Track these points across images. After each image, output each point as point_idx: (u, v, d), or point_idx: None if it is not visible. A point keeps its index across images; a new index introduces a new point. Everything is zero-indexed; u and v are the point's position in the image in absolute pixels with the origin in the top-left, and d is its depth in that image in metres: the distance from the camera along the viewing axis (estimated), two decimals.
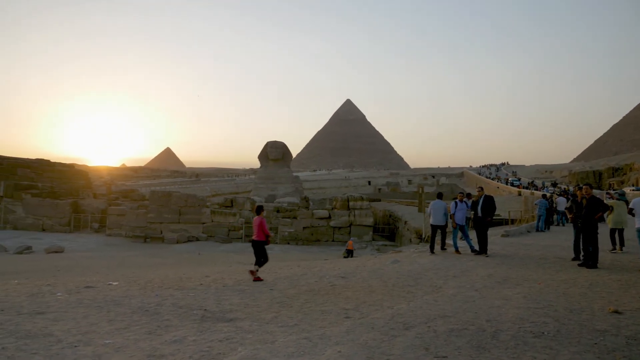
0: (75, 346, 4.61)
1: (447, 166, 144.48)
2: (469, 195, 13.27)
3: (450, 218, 12.57)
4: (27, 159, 53.66)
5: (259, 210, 9.88)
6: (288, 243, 30.28)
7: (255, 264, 9.38)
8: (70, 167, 60.73)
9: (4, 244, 25.51)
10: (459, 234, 12.80)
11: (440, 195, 12.86)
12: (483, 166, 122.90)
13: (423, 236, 21.80)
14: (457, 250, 12.23)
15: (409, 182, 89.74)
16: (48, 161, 56.11)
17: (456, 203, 12.46)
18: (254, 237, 9.65)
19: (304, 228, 30.87)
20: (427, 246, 13.46)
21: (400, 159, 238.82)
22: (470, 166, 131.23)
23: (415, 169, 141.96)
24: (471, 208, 12.40)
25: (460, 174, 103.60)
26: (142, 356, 4.32)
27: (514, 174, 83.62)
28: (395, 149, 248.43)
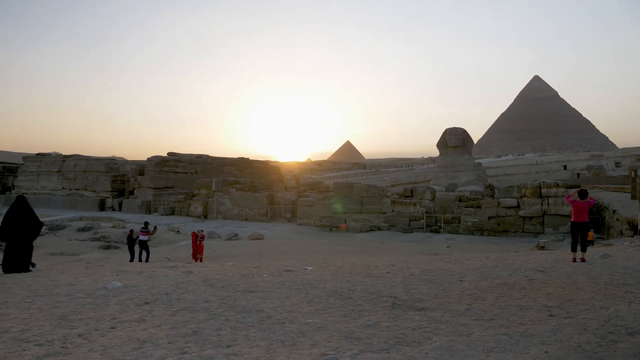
0: (282, 323, 5.11)
1: None
2: None
3: None
4: (232, 158, 62.19)
5: (584, 194, 9.94)
6: (472, 233, 28.91)
7: (578, 249, 9.67)
8: (265, 163, 68.37)
9: (218, 232, 30.14)
10: None
11: None
12: None
13: (639, 227, 18.55)
14: None
15: (617, 164, 77.18)
16: (247, 159, 64.21)
17: None
18: (575, 219, 9.74)
19: (489, 218, 29.08)
20: None
21: (605, 138, 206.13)
22: None
23: (625, 149, 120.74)
24: None
25: None
26: (340, 337, 4.55)
27: None
28: (598, 127, 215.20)
